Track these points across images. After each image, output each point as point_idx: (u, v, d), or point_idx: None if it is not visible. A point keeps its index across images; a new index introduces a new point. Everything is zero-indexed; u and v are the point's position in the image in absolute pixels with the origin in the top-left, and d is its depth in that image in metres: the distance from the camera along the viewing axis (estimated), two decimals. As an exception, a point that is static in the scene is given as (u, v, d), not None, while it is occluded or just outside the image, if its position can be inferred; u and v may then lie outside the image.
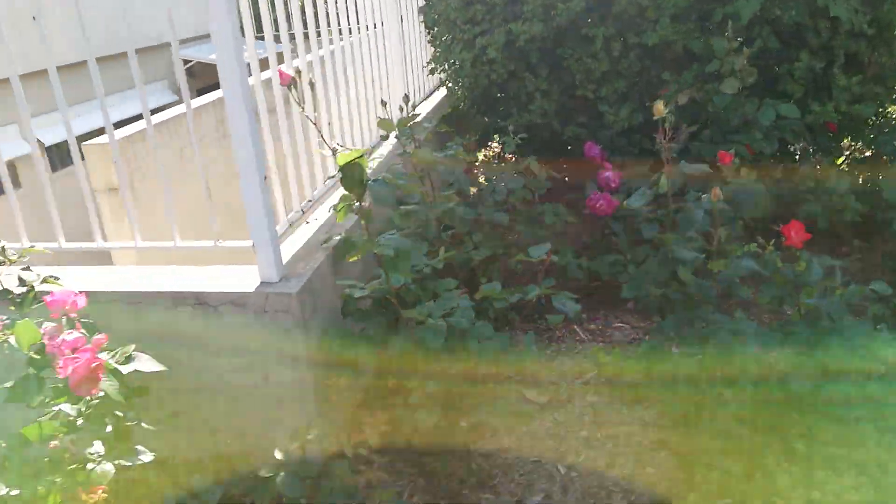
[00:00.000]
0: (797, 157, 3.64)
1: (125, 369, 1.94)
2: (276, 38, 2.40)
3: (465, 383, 2.22)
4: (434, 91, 4.70)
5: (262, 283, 2.28)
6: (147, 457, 1.95)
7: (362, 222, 1.96)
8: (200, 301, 2.28)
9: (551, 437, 2.49)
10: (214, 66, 3.15)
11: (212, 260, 2.45)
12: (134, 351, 2.02)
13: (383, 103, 2.84)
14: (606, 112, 3.71)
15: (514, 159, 4.61)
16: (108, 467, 1.87)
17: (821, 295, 2.20)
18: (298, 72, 1.84)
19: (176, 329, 2.32)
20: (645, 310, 2.29)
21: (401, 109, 2.70)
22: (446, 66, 4.18)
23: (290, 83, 1.82)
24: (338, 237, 2.49)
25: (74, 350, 1.74)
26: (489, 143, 5.23)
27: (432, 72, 4.26)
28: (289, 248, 2.51)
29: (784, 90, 3.43)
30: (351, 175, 1.84)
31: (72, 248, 2.49)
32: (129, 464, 1.91)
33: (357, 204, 1.91)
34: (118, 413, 2.04)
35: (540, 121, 3.91)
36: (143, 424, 2.03)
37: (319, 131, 1.91)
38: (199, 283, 2.31)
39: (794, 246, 2.39)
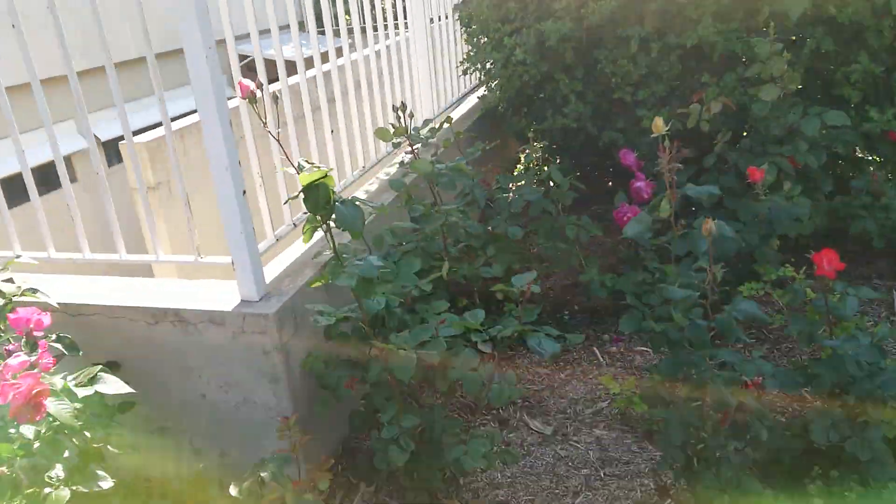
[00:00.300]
0: (852, 169, 3.32)
1: (86, 391, 1.88)
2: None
3: (449, 414, 2.07)
4: (472, 90, 4.53)
5: (241, 301, 2.19)
6: (107, 483, 1.89)
7: (329, 243, 1.83)
8: (180, 318, 2.20)
9: (548, 474, 2.32)
10: (273, 61, 3.07)
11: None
12: (101, 371, 1.96)
13: (394, 109, 2.70)
14: (644, 117, 3.47)
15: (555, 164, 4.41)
16: (65, 493, 1.81)
17: (849, 335, 1.94)
18: (260, 84, 1.72)
19: (158, 345, 2.25)
20: (650, 343, 2.08)
21: (398, 117, 2.55)
22: (479, 67, 4.02)
23: (249, 96, 1.70)
24: (328, 253, 2.38)
25: (21, 373, 1.68)
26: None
27: (465, 72, 4.10)
28: (277, 265, 2.43)
29: (840, 95, 3.12)
30: (315, 196, 1.71)
31: (60, 259, 2.46)
32: (87, 490, 1.84)
33: (324, 225, 1.78)
34: (86, 433, 1.99)
35: (574, 125, 3.70)
36: (109, 447, 1.97)
37: (281, 146, 1.79)
38: (178, 299, 2.23)
39: (827, 276, 2.13)
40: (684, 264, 1.91)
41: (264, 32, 2.39)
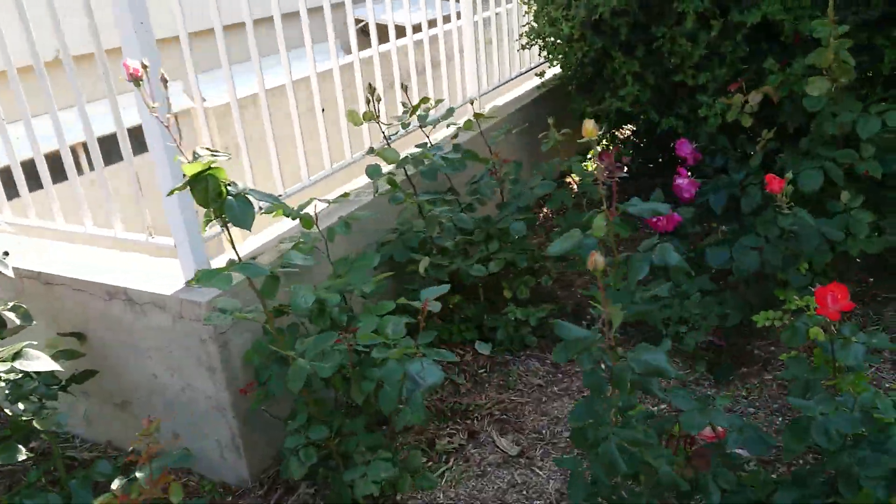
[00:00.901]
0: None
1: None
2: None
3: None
4: (535, 67, 4.21)
5: (184, 286, 2.13)
6: (21, 456, 1.92)
7: (227, 241, 1.71)
8: (128, 297, 2.18)
9: (495, 501, 2.11)
10: (385, 26, 3.04)
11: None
12: (28, 347, 1.98)
13: (368, 89, 2.46)
14: (705, 103, 3.06)
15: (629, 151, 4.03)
16: (-23, 463, 1.86)
17: (825, 396, 1.58)
18: (144, 66, 1.61)
19: (113, 321, 2.25)
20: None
21: (367, 101, 2.36)
22: (541, 43, 3.72)
23: (134, 79, 1.60)
24: (289, 241, 2.27)
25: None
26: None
27: (524, 47, 3.81)
28: (243, 248, 2.35)
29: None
30: (202, 189, 1.59)
31: (43, 227, 2.51)
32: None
33: (219, 220, 1.66)
34: (20, 406, 2.02)
35: (630, 108, 3.34)
36: (34, 423, 1.99)
37: (171, 132, 1.67)
38: (130, 277, 2.21)
39: (830, 318, 1.75)
40: (624, 293, 1.61)
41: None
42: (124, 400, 2.41)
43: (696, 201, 2.86)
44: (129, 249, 2.47)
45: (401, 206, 2.42)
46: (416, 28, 3.22)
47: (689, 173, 2.90)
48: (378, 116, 2.37)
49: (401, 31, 3.10)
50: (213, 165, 1.60)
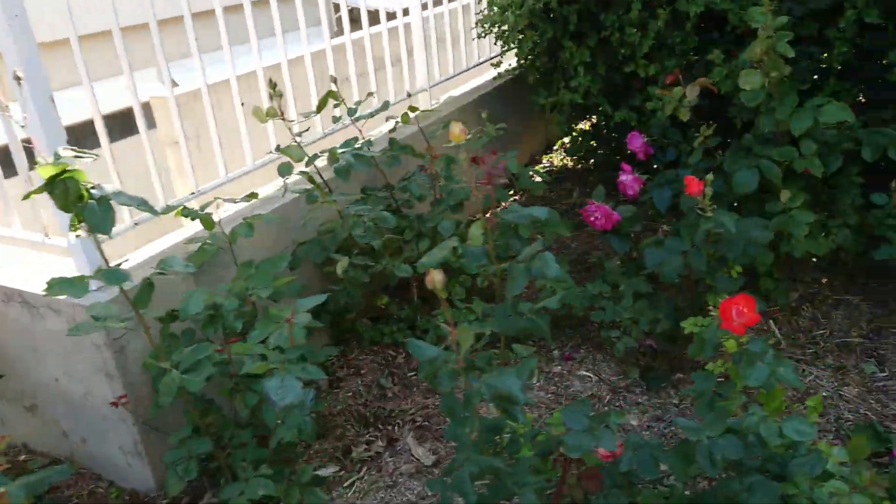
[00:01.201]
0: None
1: None
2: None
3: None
4: (493, 56, 4.08)
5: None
6: None
7: (94, 243, 1.62)
8: (24, 300, 2.10)
9: (400, 515, 2.03)
10: (376, 12, 2.94)
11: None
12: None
13: (270, 84, 2.34)
14: (654, 95, 2.94)
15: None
16: None
17: (716, 418, 1.48)
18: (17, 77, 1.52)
19: (12, 323, 2.17)
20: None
21: (270, 97, 2.26)
22: (497, 32, 3.60)
23: (-16, 78, 1.51)
24: (196, 243, 2.19)
25: None
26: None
27: (480, 36, 3.69)
28: (148, 251, 2.27)
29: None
30: (62, 192, 1.50)
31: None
32: None
33: (83, 224, 1.57)
34: None
35: (582, 100, 3.22)
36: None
37: (24, 128, 1.58)
38: (26, 279, 2.13)
39: (734, 332, 1.65)
40: (504, 305, 1.51)
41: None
42: (32, 403, 2.33)
43: (640, 198, 2.75)
44: (40, 249, 2.39)
45: (316, 204, 2.31)
46: (355, 19, 3.11)
47: (635, 169, 2.79)
48: (282, 113, 2.27)
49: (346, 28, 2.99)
50: (68, 168, 1.51)
